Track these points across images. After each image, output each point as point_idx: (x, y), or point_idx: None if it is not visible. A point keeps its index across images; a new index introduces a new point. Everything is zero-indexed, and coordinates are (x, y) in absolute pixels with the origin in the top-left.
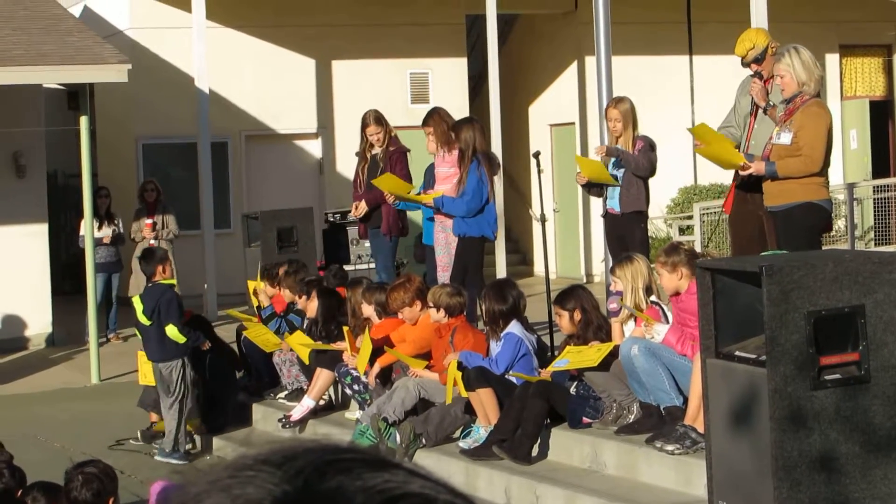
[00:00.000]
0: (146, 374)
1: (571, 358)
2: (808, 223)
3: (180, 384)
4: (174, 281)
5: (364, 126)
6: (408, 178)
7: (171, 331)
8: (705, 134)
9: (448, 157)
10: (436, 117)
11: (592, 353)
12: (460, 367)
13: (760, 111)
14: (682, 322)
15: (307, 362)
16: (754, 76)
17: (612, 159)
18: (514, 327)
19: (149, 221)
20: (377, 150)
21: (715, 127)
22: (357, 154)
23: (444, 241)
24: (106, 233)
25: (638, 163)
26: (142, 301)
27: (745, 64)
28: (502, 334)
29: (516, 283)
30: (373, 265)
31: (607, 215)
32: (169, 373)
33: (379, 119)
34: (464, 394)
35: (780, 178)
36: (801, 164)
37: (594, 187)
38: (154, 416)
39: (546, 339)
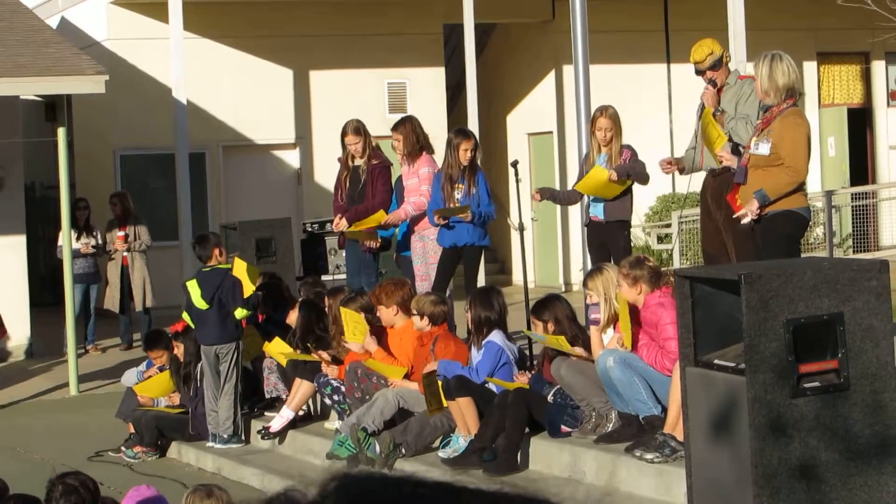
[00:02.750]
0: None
1: (549, 340)
2: (788, 231)
3: (234, 368)
4: (230, 265)
5: (343, 135)
6: (389, 192)
7: (241, 313)
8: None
9: (412, 169)
10: (408, 126)
11: (566, 346)
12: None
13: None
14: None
15: (282, 361)
16: (709, 83)
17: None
18: (495, 336)
19: (121, 234)
20: (359, 161)
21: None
22: (339, 160)
23: (422, 252)
24: (86, 242)
25: (643, 172)
26: (199, 285)
27: (700, 71)
28: (483, 342)
29: (501, 291)
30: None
31: (590, 223)
32: (226, 354)
33: (358, 129)
34: (444, 403)
35: (773, 201)
36: (787, 178)
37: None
38: (132, 427)
39: (525, 349)
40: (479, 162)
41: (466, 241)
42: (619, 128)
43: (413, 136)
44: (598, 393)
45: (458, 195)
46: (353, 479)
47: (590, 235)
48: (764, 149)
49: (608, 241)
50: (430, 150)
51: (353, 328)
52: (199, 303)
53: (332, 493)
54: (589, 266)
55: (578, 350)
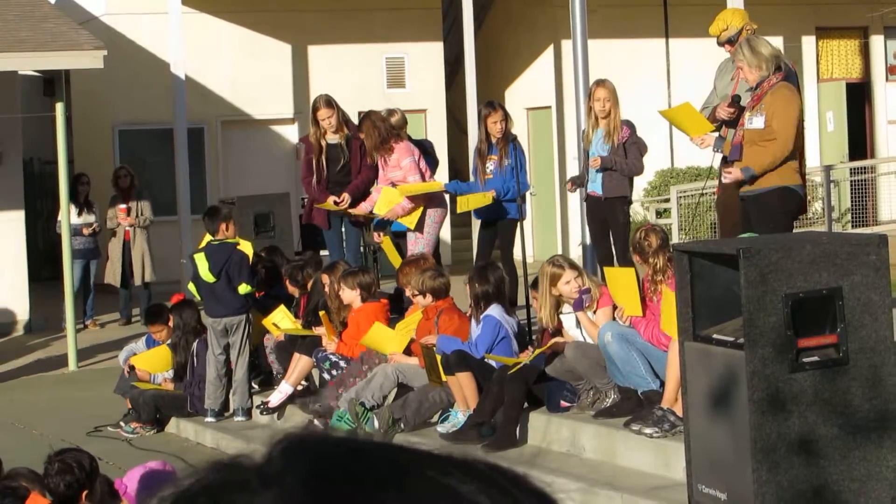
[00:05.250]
0: (151, 360)
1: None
2: (782, 208)
3: (246, 341)
4: (238, 239)
5: (314, 111)
6: (374, 167)
7: (244, 289)
8: (676, 116)
9: (390, 162)
10: (367, 123)
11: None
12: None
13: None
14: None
15: (275, 333)
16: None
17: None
18: (493, 310)
19: (123, 207)
20: (334, 137)
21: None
22: (302, 141)
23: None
24: (87, 220)
25: (632, 167)
26: (207, 258)
27: (720, 44)
28: (482, 316)
29: (499, 266)
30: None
31: (589, 198)
32: (235, 328)
33: (330, 102)
34: (443, 377)
35: (760, 175)
36: (774, 151)
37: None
38: (130, 404)
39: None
40: (512, 131)
41: (500, 213)
42: (616, 101)
43: (375, 132)
44: (600, 374)
45: (490, 167)
46: (299, 439)
47: (589, 211)
48: (758, 122)
49: (607, 217)
50: (401, 137)
51: (403, 332)
52: (207, 276)
53: (280, 454)
54: (588, 241)
55: (559, 340)
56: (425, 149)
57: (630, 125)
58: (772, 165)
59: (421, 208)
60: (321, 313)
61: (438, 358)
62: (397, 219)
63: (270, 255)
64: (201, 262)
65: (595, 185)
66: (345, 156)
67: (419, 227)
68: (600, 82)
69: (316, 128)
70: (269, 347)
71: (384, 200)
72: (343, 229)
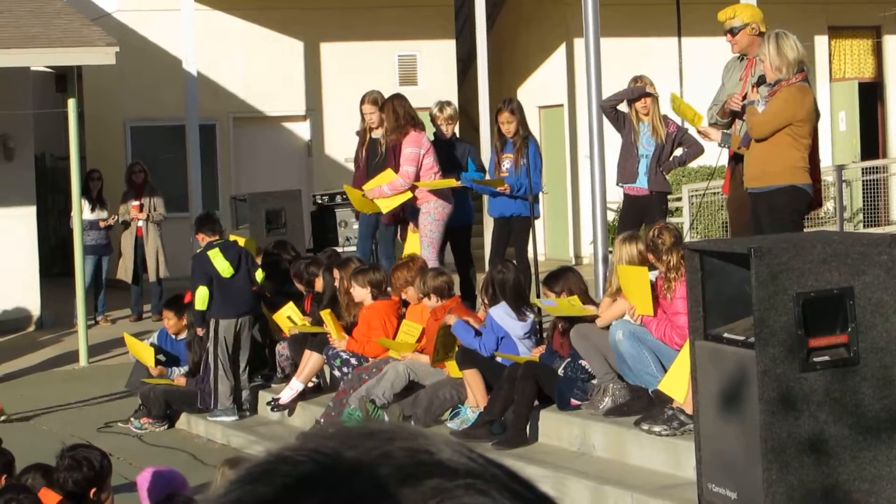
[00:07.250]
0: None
1: (561, 304)
2: (791, 207)
3: (247, 339)
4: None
5: (361, 103)
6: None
7: (261, 275)
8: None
9: (397, 149)
10: (388, 105)
11: (579, 306)
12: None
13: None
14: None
15: (286, 328)
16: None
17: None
18: (495, 309)
19: (136, 203)
20: (377, 132)
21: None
22: (357, 133)
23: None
24: (100, 216)
25: (697, 150)
26: (222, 254)
27: (725, 31)
28: (486, 314)
29: (511, 265)
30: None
31: (628, 197)
32: (245, 325)
33: (375, 101)
34: (456, 374)
35: (755, 138)
36: (752, 121)
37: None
38: (141, 399)
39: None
40: (529, 131)
41: (513, 211)
42: (655, 96)
43: (392, 115)
44: (599, 361)
45: (506, 165)
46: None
47: (629, 208)
48: (761, 108)
49: (645, 215)
50: (420, 127)
51: (406, 337)
52: (227, 270)
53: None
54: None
55: (592, 309)
56: (454, 149)
57: (674, 121)
58: (755, 127)
59: (403, 199)
60: (323, 312)
61: (437, 345)
62: (374, 200)
63: (277, 250)
64: (218, 258)
65: (641, 182)
66: (378, 153)
67: (425, 227)
68: (637, 80)
69: (363, 120)
70: (283, 355)
71: (377, 178)
72: (378, 227)
